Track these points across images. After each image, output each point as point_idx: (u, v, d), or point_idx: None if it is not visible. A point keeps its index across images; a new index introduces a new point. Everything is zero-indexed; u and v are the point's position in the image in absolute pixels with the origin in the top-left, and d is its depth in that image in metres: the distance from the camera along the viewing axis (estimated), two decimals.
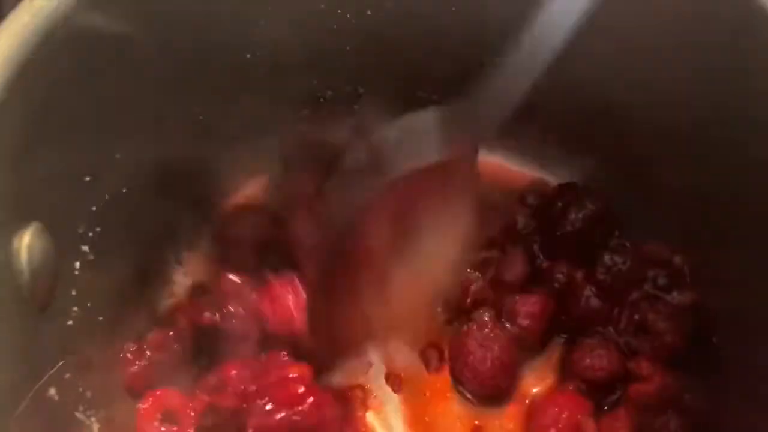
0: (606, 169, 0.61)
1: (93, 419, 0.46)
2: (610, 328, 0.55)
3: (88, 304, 0.49)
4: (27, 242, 0.41)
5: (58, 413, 0.42)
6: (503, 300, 0.56)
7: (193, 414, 0.51)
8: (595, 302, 0.55)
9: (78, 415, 0.45)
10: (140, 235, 0.55)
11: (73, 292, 0.47)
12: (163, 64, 0.50)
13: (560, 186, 0.61)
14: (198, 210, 0.61)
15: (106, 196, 0.50)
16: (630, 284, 0.56)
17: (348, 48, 0.59)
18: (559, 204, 0.59)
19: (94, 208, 0.49)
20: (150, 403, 0.52)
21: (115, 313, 0.52)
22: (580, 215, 0.58)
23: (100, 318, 0.51)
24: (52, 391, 0.42)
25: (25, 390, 0.40)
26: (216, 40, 0.52)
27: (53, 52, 0.41)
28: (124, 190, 0.52)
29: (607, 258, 0.56)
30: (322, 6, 0.55)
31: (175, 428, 0.51)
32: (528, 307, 0.55)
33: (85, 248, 0.48)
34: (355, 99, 0.63)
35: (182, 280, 0.61)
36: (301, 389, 0.50)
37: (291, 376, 0.51)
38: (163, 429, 0.51)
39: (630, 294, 0.55)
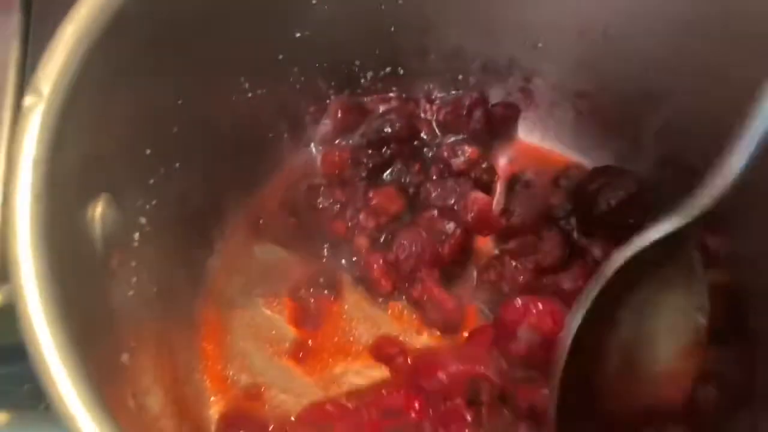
0: (638, 153, 0.63)
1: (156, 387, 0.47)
2: None
3: (145, 276, 0.49)
4: (100, 212, 0.42)
5: (128, 375, 0.43)
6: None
7: None
8: None
9: (144, 381, 0.46)
10: (188, 210, 0.56)
11: (133, 263, 0.48)
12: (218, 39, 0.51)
13: (595, 169, 0.63)
14: (241, 187, 0.62)
15: (162, 170, 0.51)
16: None
17: (392, 29, 0.60)
18: (595, 185, 0.60)
19: (151, 181, 0.50)
20: None
21: (166, 285, 0.53)
22: (615, 196, 0.59)
23: (154, 289, 0.51)
24: (125, 357, 0.43)
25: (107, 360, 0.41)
26: (275, 18, 0.53)
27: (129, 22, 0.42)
28: (177, 165, 0.53)
29: None
30: None
31: None
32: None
33: (143, 220, 0.49)
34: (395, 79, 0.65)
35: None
36: None
37: None
38: None
39: None
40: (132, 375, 0.43)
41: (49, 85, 0.37)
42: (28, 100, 0.36)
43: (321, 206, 0.62)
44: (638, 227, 0.59)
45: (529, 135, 0.67)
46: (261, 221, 0.63)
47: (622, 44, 0.58)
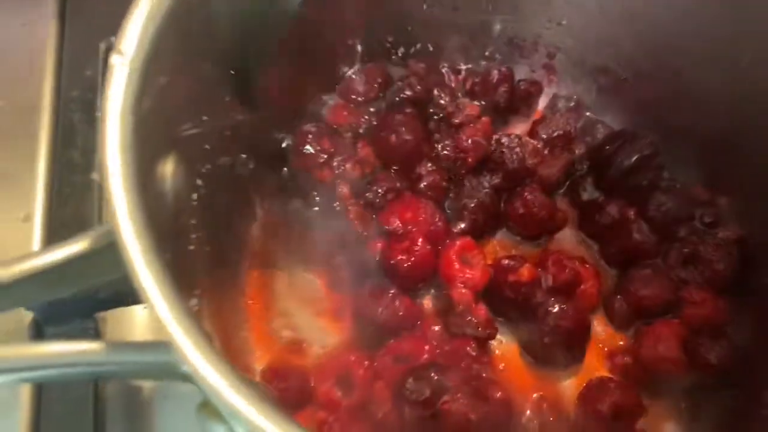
0: (655, 126, 0.67)
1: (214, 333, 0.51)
2: (660, 261, 0.60)
3: (201, 234, 0.53)
4: (170, 168, 0.45)
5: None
6: None
7: None
8: (646, 236, 0.60)
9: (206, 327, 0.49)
10: (234, 177, 0.59)
11: (193, 221, 0.51)
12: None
13: (612, 132, 0.66)
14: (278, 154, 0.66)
15: (215, 137, 0.54)
16: (678, 221, 0.61)
17: (425, 7, 0.64)
18: (611, 147, 0.64)
19: (207, 147, 0.53)
20: None
21: (216, 246, 0.57)
22: (632, 156, 0.63)
23: (207, 249, 0.55)
24: (194, 302, 0.46)
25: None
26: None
27: None
28: (227, 133, 0.56)
29: (658, 197, 0.61)
30: None
31: None
32: None
33: (200, 182, 0.53)
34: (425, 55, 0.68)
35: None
36: None
37: None
38: None
39: (678, 230, 0.61)
40: (199, 321, 0.47)
41: (131, 47, 0.41)
42: (114, 59, 0.40)
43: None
44: (654, 187, 0.63)
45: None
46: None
47: (641, 21, 0.61)
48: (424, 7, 0.64)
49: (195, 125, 0.50)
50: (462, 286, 0.57)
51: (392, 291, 0.58)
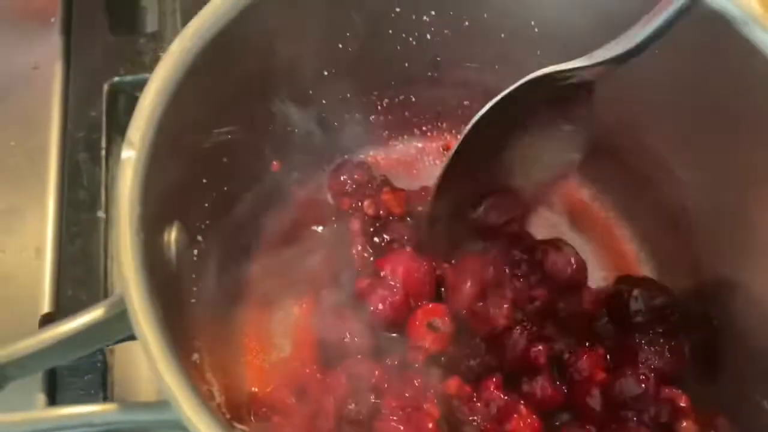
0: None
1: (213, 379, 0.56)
2: None
3: (201, 284, 0.58)
4: (174, 236, 0.51)
5: (199, 371, 0.52)
6: None
7: None
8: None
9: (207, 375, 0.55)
10: (234, 224, 0.65)
11: (194, 276, 0.57)
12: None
13: None
14: (277, 199, 0.71)
15: (214, 194, 0.60)
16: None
17: (406, 65, 0.69)
18: None
19: (206, 205, 0.59)
20: None
21: (215, 291, 0.62)
22: None
23: (206, 297, 0.60)
24: (195, 357, 0.52)
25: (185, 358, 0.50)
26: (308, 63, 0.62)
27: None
28: (225, 188, 0.61)
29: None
30: None
31: None
32: None
33: (200, 238, 0.58)
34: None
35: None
36: None
37: None
38: None
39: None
40: (201, 371, 0.52)
41: (138, 138, 0.46)
42: (125, 153, 0.45)
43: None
44: None
45: None
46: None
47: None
48: (405, 65, 0.69)
49: (197, 191, 0.56)
50: (419, 349, 0.63)
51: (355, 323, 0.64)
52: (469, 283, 0.66)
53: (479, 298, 0.65)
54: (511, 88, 0.55)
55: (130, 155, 0.45)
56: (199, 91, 0.52)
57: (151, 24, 0.91)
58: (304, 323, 0.68)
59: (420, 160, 0.78)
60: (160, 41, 0.85)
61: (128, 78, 0.82)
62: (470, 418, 0.62)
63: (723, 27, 0.53)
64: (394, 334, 0.66)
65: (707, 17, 0.53)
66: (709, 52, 0.56)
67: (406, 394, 0.61)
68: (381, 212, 0.71)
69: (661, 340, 0.64)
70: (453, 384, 0.63)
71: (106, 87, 0.82)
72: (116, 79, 0.82)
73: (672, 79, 0.60)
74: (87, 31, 0.86)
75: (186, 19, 0.84)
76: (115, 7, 0.89)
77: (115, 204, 0.43)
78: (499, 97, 0.56)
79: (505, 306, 0.65)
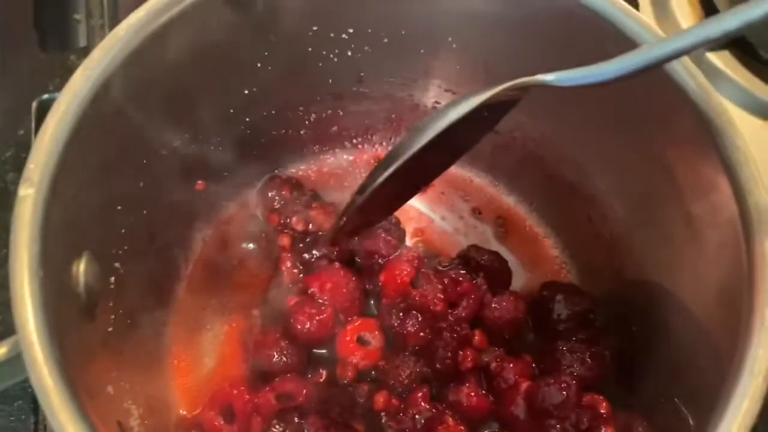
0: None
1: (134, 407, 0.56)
2: None
3: (121, 311, 0.58)
4: (82, 269, 0.50)
5: (114, 403, 0.52)
6: None
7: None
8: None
9: (125, 405, 0.55)
10: (156, 245, 0.65)
11: (111, 304, 0.56)
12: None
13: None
14: (204, 217, 0.71)
15: (131, 218, 0.59)
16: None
17: (330, 81, 0.69)
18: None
19: (123, 231, 0.58)
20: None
21: (139, 314, 0.62)
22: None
23: (129, 321, 0.60)
24: (110, 388, 0.52)
25: (95, 392, 0.50)
26: (226, 83, 0.62)
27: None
28: (144, 212, 0.61)
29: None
30: None
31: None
32: None
33: (117, 264, 0.58)
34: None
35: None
36: None
37: None
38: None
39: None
40: (116, 402, 0.52)
41: (37, 174, 0.45)
42: (23, 190, 0.44)
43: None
44: None
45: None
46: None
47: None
48: (330, 81, 0.69)
49: (110, 219, 0.55)
50: (349, 364, 0.63)
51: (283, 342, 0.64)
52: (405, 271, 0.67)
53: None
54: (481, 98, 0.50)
55: (28, 193, 0.44)
56: (107, 118, 0.51)
57: (81, 39, 0.90)
58: (234, 342, 0.68)
59: (351, 172, 0.78)
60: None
61: (57, 95, 0.80)
62: (398, 431, 0.64)
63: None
64: (324, 351, 0.67)
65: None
66: None
67: (334, 413, 0.62)
68: (310, 228, 0.71)
69: (583, 347, 0.66)
70: (380, 398, 0.64)
71: (34, 104, 0.80)
72: (45, 96, 0.81)
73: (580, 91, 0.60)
74: (15, 47, 0.85)
75: None
76: (44, 23, 0.88)
77: (11, 243, 0.43)
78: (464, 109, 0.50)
79: (439, 293, 0.66)
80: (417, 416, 0.64)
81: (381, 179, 0.53)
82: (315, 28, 0.63)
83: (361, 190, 0.55)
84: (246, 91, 0.65)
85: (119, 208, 0.57)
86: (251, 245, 0.72)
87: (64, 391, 0.41)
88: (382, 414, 0.64)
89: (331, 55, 0.66)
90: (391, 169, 0.52)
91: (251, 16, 0.59)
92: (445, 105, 0.51)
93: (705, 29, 0.41)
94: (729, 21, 0.40)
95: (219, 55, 0.60)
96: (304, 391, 0.63)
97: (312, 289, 0.67)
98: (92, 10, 0.90)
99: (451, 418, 0.64)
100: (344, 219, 0.58)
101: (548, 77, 0.48)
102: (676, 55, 0.42)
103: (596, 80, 0.45)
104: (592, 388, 0.64)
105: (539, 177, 0.73)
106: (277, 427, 0.60)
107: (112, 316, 0.56)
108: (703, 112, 0.51)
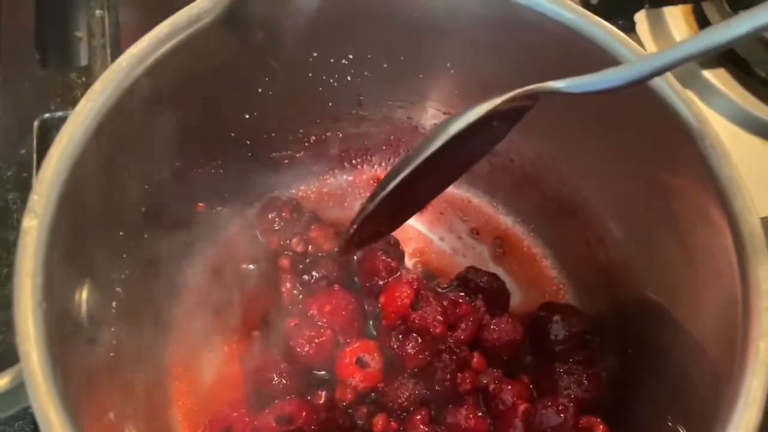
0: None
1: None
2: None
3: (122, 335, 0.58)
4: (85, 296, 0.51)
5: (115, 430, 0.53)
6: None
7: None
8: None
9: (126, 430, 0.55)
10: (157, 268, 0.65)
11: (113, 329, 0.57)
12: None
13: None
14: (202, 239, 0.72)
15: (133, 243, 0.60)
16: None
17: (330, 104, 0.70)
18: None
19: (124, 256, 0.59)
20: None
21: (139, 338, 0.63)
22: None
23: (131, 345, 0.61)
24: (111, 415, 0.52)
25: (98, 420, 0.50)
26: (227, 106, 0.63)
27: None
28: (145, 236, 0.62)
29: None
30: None
31: None
32: None
33: (119, 289, 0.58)
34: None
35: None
36: None
37: None
38: None
39: None
40: (117, 428, 0.53)
41: (41, 206, 0.46)
42: (27, 221, 0.45)
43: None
44: None
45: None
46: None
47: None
48: (330, 104, 0.70)
49: (111, 245, 0.56)
50: (348, 386, 0.64)
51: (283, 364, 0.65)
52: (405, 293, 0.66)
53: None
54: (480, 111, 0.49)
55: (32, 225, 0.45)
56: (110, 147, 0.52)
57: (83, 58, 0.91)
58: (234, 364, 0.69)
59: (350, 193, 0.79)
60: (90, 76, 0.84)
61: (59, 114, 0.81)
62: None
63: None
64: (324, 373, 0.67)
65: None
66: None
67: None
68: (310, 249, 0.72)
69: (581, 369, 0.67)
70: (379, 421, 0.65)
71: (36, 123, 0.81)
72: (47, 115, 0.82)
73: (572, 111, 0.61)
74: (16, 65, 0.85)
75: (115, 52, 0.85)
76: (45, 41, 0.88)
77: (15, 275, 0.44)
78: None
79: (439, 315, 0.66)
80: None
81: (392, 186, 0.52)
82: (315, 54, 0.64)
83: (372, 197, 0.55)
84: (246, 116, 0.66)
85: (121, 234, 0.57)
86: (251, 266, 0.73)
87: (66, 423, 0.41)
88: None
89: (331, 80, 0.67)
90: (402, 175, 0.52)
91: (252, 43, 0.59)
92: (461, 112, 0.51)
93: (709, 37, 0.41)
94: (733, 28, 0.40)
95: (220, 82, 0.60)
96: (304, 413, 0.63)
97: (311, 311, 0.67)
98: (93, 28, 0.91)
99: None
100: (354, 227, 0.57)
101: (559, 84, 0.48)
102: (683, 60, 0.42)
103: (606, 86, 0.45)
104: (589, 410, 0.65)
105: (537, 198, 0.74)
106: None
107: (114, 341, 0.57)
108: (699, 142, 0.52)
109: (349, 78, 0.67)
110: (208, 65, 0.58)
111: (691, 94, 0.54)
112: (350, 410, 0.66)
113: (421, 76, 0.67)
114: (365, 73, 0.67)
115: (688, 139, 0.53)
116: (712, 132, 0.52)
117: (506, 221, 0.78)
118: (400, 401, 0.65)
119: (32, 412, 0.65)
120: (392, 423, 0.65)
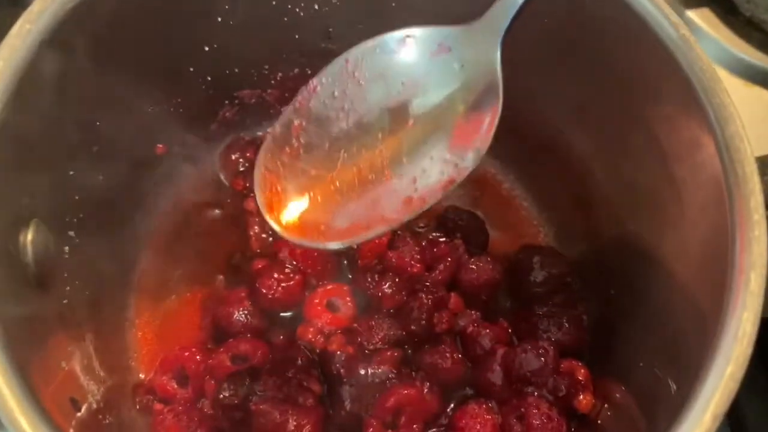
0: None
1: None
2: None
3: (77, 283, 0.55)
4: (30, 238, 0.47)
5: (68, 380, 0.50)
6: None
7: None
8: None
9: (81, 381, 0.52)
10: (115, 212, 0.61)
11: (65, 274, 0.53)
12: None
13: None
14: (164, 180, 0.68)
15: (87, 184, 0.56)
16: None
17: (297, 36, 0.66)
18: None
19: (77, 197, 0.55)
20: None
21: (98, 285, 0.59)
22: None
23: (87, 293, 0.57)
24: (63, 364, 0.49)
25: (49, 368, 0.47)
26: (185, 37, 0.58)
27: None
28: (100, 177, 0.57)
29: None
30: None
31: None
32: None
33: (72, 233, 0.54)
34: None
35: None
36: None
37: None
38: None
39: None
40: (71, 379, 0.50)
41: None
42: None
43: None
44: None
45: None
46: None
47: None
48: (296, 36, 0.65)
49: (60, 185, 0.52)
50: (313, 326, 0.61)
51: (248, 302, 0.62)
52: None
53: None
54: None
55: None
56: (52, 75, 0.47)
57: None
58: (198, 308, 0.65)
59: None
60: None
61: None
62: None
63: None
64: (290, 314, 0.65)
65: None
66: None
67: (289, 372, 0.59)
68: None
69: (560, 311, 0.64)
70: (335, 341, 0.61)
71: None
72: None
73: (548, 42, 0.59)
74: None
75: None
76: None
77: None
78: None
79: (416, 254, 0.64)
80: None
81: None
82: None
83: None
84: (206, 48, 0.62)
85: (71, 173, 0.53)
86: (216, 211, 0.69)
87: (9, 372, 0.38)
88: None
89: (297, 9, 0.63)
90: None
91: None
92: None
93: None
94: None
95: (175, 7, 0.56)
96: (259, 352, 0.60)
97: (282, 254, 0.64)
98: None
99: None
100: None
101: None
102: None
103: None
104: (570, 354, 0.63)
105: (516, 139, 0.70)
106: (228, 388, 0.56)
107: (68, 288, 0.53)
108: (687, 67, 0.49)
109: (316, 6, 0.62)
110: None
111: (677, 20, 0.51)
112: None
113: (393, 4, 0.63)
114: (334, 0, 0.62)
115: (675, 66, 0.50)
116: (699, 54, 0.49)
117: (484, 163, 0.75)
118: (374, 341, 0.63)
119: None
120: (349, 348, 0.62)
